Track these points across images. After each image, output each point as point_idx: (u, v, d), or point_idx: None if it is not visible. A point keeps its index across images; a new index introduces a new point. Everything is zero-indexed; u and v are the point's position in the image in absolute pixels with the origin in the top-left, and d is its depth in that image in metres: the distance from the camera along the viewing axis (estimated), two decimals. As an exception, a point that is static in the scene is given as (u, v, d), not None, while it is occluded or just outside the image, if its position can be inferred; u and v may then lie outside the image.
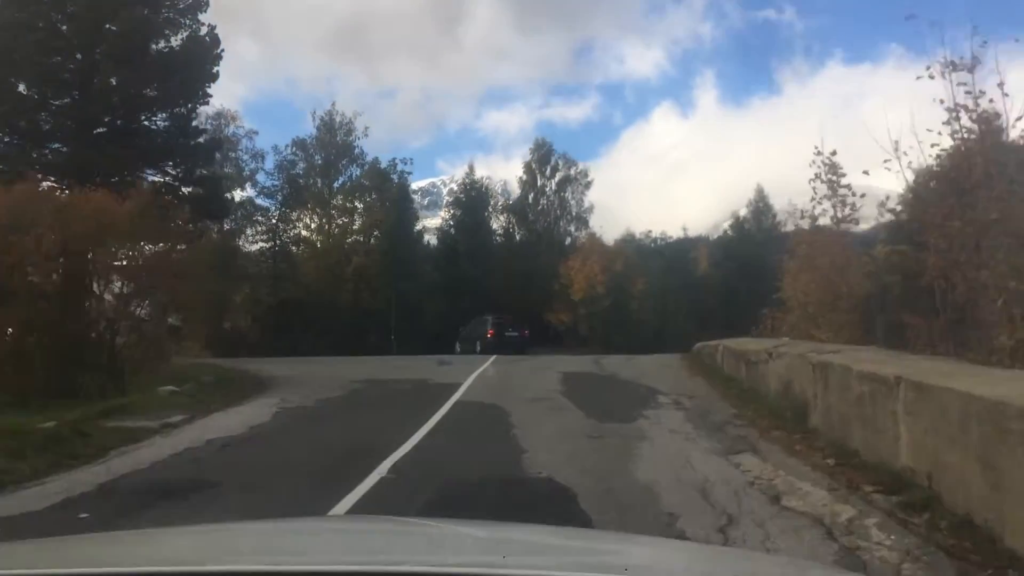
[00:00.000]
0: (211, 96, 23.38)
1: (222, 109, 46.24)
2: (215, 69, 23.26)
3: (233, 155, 46.90)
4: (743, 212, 71.87)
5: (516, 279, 51.37)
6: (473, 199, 52.46)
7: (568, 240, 55.86)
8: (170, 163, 22.94)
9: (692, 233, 63.66)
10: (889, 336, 9.62)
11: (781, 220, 74.71)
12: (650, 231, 65.32)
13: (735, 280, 64.33)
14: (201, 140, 23.63)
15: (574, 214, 56.09)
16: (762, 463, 6.48)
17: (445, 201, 58.96)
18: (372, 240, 50.99)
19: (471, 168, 54.95)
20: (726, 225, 71.17)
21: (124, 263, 14.65)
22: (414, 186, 64.25)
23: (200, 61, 22.34)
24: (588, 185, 56.61)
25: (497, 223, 55.68)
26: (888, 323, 9.98)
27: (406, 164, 51.91)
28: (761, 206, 72.67)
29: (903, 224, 10.29)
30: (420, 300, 46.83)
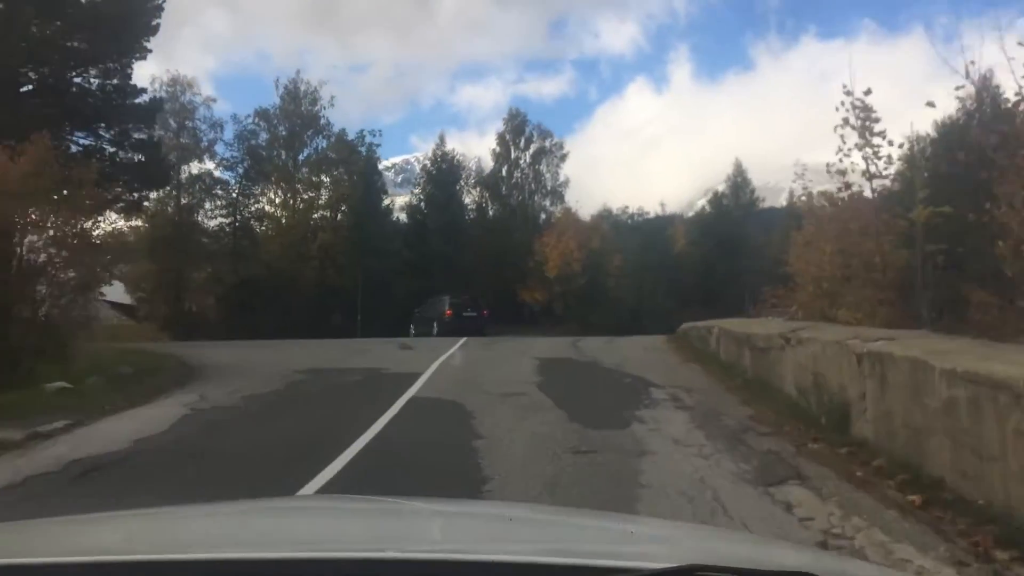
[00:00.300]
0: (150, 51, 21.00)
1: (177, 75, 43.58)
2: (155, 21, 20.92)
3: (190, 124, 44.17)
4: (721, 188, 70.44)
5: (489, 256, 49.43)
6: (444, 172, 50.22)
7: (543, 216, 53.92)
8: (102, 125, 20.61)
9: (669, 210, 61.82)
10: (937, 317, 7.88)
11: (760, 196, 73.48)
12: (627, 207, 63.61)
13: (714, 257, 62.91)
14: (139, 101, 21.24)
15: (549, 188, 54.14)
16: (820, 502, 4.65)
17: (417, 177, 56.46)
18: (339, 216, 48.71)
19: (441, 140, 52.63)
20: (703, 201, 69.61)
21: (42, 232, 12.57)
22: (387, 163, 62.05)
23: (135, 11, 19.99)
24: (563, 158, 54.68)
25: (469, 198, 53.52)
26: (933, 300, 8.25)
27: (375, 136, 49.49)
28: (739, 181, 71.24)
29: (944, 177, 8.52)
30: (388, 278, 44.67)
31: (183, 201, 44.36)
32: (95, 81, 19.54)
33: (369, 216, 46.92)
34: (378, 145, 49.32)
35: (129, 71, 19.48)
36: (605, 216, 58.08)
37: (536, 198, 54.07)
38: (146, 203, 21.11)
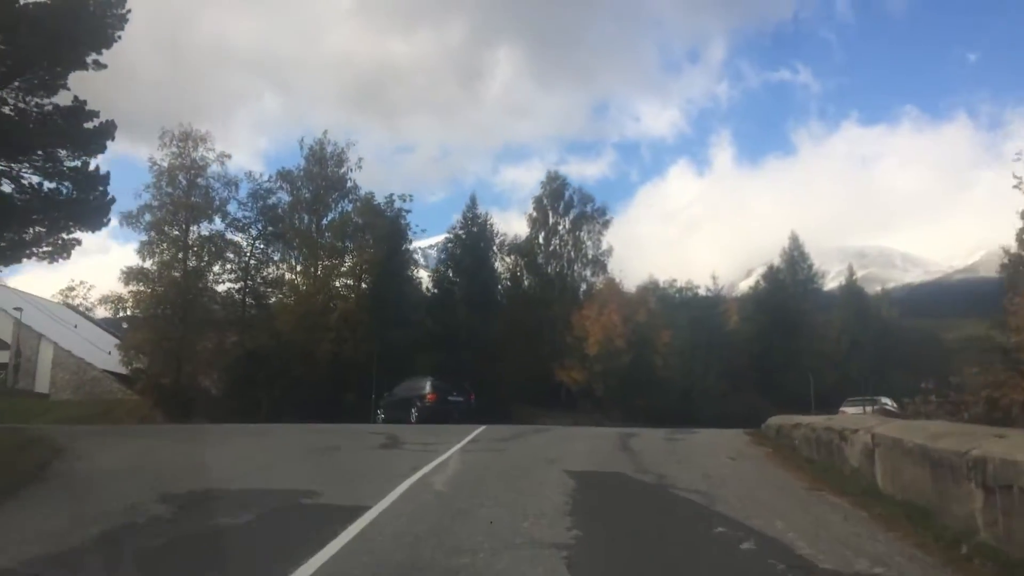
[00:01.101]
0: (103, 66, 17.09)
1: (190, 129, 40.37)
2: (114, 32, 17.14)
3: (202, 182, 40.72)
4: (776, 262, 65.27)
5: (522, 330, 44.63)
6: (474, 236, 45.96)
7: (583, 287, 49.25)
8: (37, 152, 16.58)
9: (720, 283, 56.68)
10: None
11: (819, 271, 67.94)
12: (674, 280, 58.73)
13: (770, 337, 57.31)
14: (89, 125, 17.21)
15: (590, 257, 49.67)
16: None
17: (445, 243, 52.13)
18: (362, 284, 44.55)
19: (473, 202, 48.09)
20: (748, 282, 64.43)
21: None
22: (429, 241, 57.32)
23: (78, 16, 16.17)
24: (606, 224, 50.35)
25: (503, 266, 49.16)
26: None
27: (404, 201, 45.32)
28: (796, 255, 66.06)
29: None
30: (410, 351, 40.00)
31: (190, 263, 40.52)
32: (16, 96, 15.47)
33: (393, 283, 42.69)
34: (408, 211, 45.12)
35: (62, 83, 15.55)
36: (651, 289, 53.23)
37: (576, 267, 49.62)
38: (77, 246, 16.57)
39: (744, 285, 74.76)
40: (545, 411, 43.23)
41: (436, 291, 46.20)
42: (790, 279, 63.56)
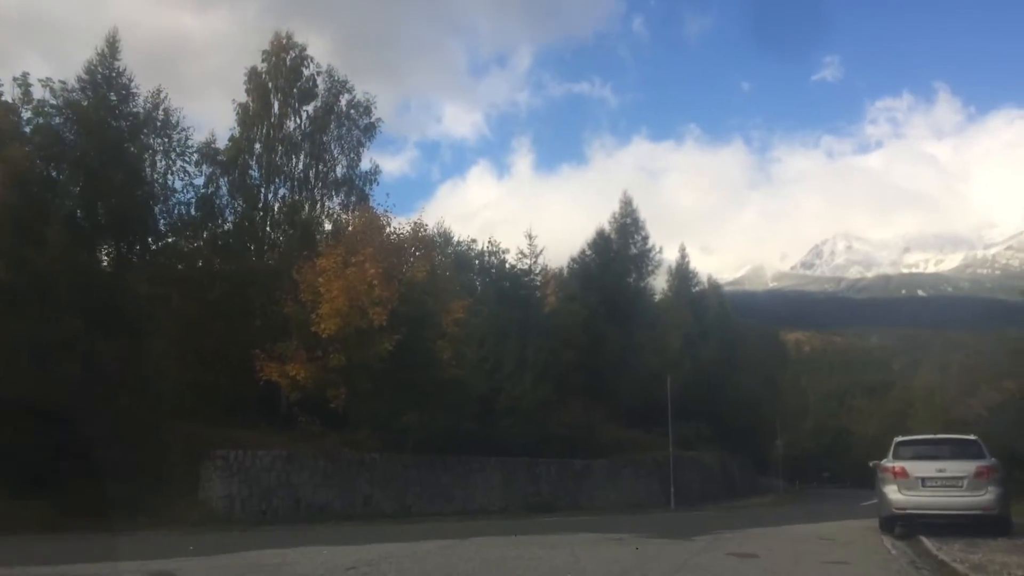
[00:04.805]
0: None
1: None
2: None
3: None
4: (606, 227, 49.28)
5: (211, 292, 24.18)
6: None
7: (327, 226, 29.55)
8: None
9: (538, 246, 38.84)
10: None
11: (654, 246, 53.00)
12: (473, 239, 40.70)
13: (601, 323, 40.80)
14: None
15: (339, 176, 30.09)
16: None
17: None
18: None
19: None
20: (583, 245, 47.70)
21: None
22: None
23: None
24: (371, 130, 30.85)
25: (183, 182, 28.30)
26: None
27: None
28: (628, 223, 50.50)
29: None
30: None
31: None
32: None
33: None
34: None
35: None
36: (441, 239, 34.77)
37: (316, 191, 29.74)
38: None
39: (586, 244, 57.43)
40: (243, 431, 23.56)
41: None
42: (624, 252, 47.82)
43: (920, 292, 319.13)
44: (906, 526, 13.75)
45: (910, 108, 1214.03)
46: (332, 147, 30.01)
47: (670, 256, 59.26)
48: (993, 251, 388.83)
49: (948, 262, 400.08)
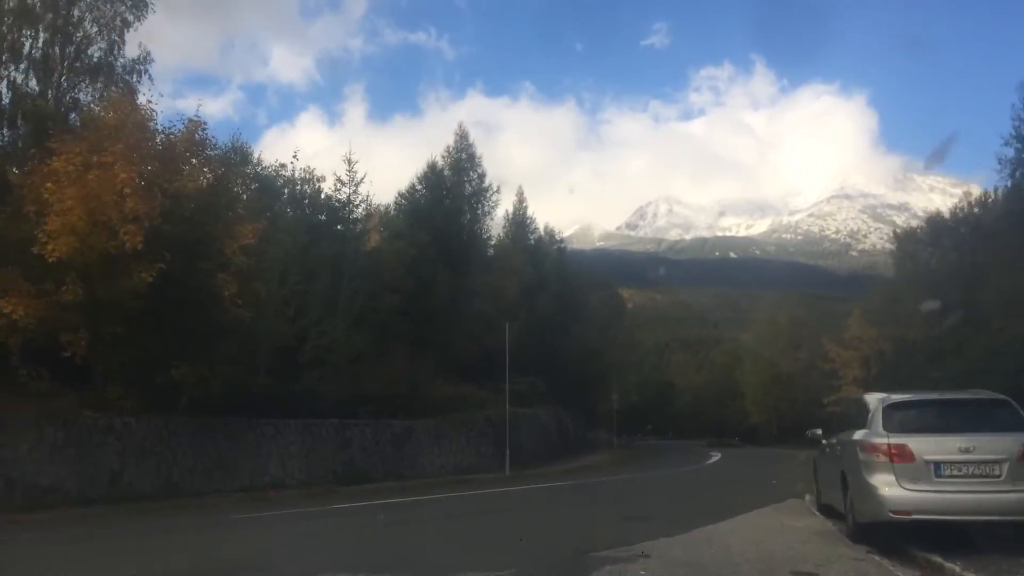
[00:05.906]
0: None
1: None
2: None
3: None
4: (439, 162, 44.32)
5: None
6: None
7: (72, 117, 22.61)
8: None
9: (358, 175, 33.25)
10: None
11: (491, 185, 48.75)
12: (281, 163, 34.41)
13: (430, 266, 36.16)
14: None
15: (93, 59, 23.15)
16: None
17: None
18: None
19: None
20: (413, 179, 42.34)
21: None
22: None
23: None
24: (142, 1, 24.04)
25: None
26: None
27: None
28: (463, 157, 45.80)
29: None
30: None
31: None
32: None
33: None
34: None
35: None
36: (238, 152, 28.53)
37: (58, 77, 22.63)
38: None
39: (416, 178, 51.18)
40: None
41: None
42: (458, 190, 43.18)
43: (732, 254, 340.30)
44: (889, 534, 9.24)
45: (730, 78, 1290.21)
46: (87, 23, 22.98)
47: (507, 202, 55.35)
48: (796, 217, 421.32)
49: (758, 227, 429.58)
